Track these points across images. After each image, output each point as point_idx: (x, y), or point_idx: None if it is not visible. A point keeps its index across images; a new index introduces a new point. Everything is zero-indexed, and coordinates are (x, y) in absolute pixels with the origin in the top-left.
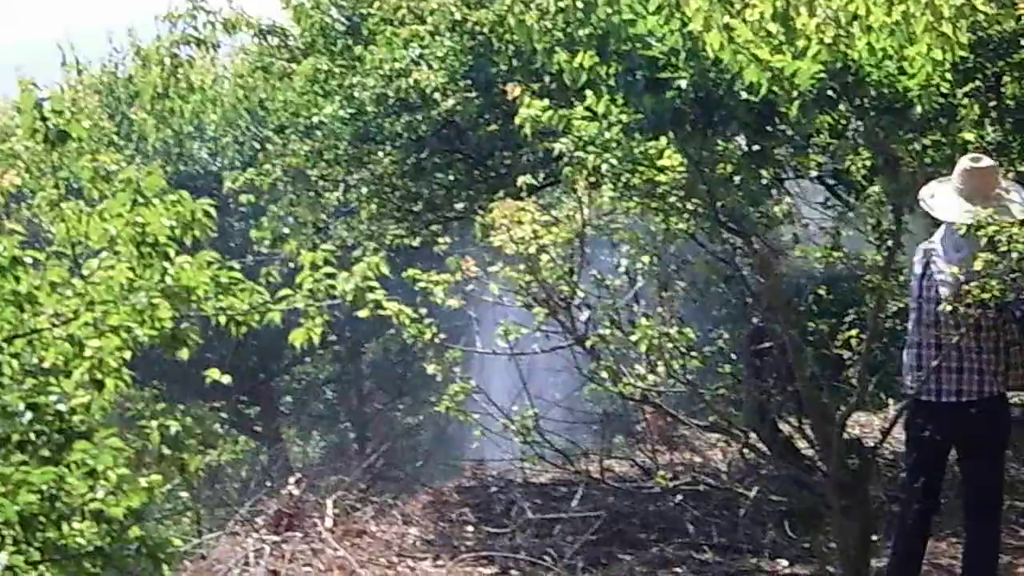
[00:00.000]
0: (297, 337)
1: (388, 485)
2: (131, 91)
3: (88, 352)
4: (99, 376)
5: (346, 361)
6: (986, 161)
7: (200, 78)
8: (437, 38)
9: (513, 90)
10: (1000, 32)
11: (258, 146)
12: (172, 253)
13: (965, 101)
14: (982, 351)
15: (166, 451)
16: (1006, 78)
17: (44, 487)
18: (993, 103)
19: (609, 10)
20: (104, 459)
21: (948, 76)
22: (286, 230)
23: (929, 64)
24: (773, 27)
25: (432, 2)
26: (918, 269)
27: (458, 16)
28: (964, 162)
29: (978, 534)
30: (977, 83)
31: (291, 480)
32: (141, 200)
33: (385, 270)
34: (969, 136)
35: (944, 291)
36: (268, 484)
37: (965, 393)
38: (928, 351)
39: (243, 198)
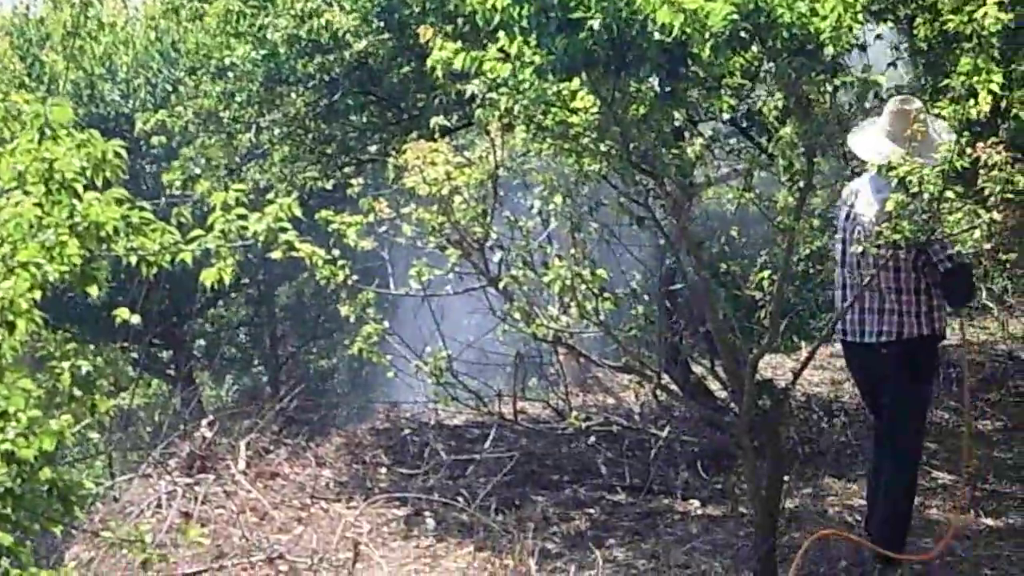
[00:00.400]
0: (208, 277)
1: (301, 428)
2: (42, 33)
3: None
4: (10, 317)
5: (259, 304)
6: (914, 103)
7: (111, 18)
8: None
9: (425, 32)
10: None
11: (170, 88)
12: (80, 190)
13: (876, 43)
14: (901, 292)
15: (77, 393)
16: (918, 20)
17: None
18: (905, 45)
19: None
20: (15, 400)
21: (860, 18)
22: (198, 171)
23: (841, 6)
24: None
25: None
26: (843, 210)
27: None
28: (892, 103)
29: (893, 471)
30: (889, 24)
31: (204, 423)
32: (49, 134)
33: (298, 212)
34: (881, 79)
35: (860, 232)
36: (181, 427)
37: (885, 334)
38: (850, 292)
39: (155, 140)
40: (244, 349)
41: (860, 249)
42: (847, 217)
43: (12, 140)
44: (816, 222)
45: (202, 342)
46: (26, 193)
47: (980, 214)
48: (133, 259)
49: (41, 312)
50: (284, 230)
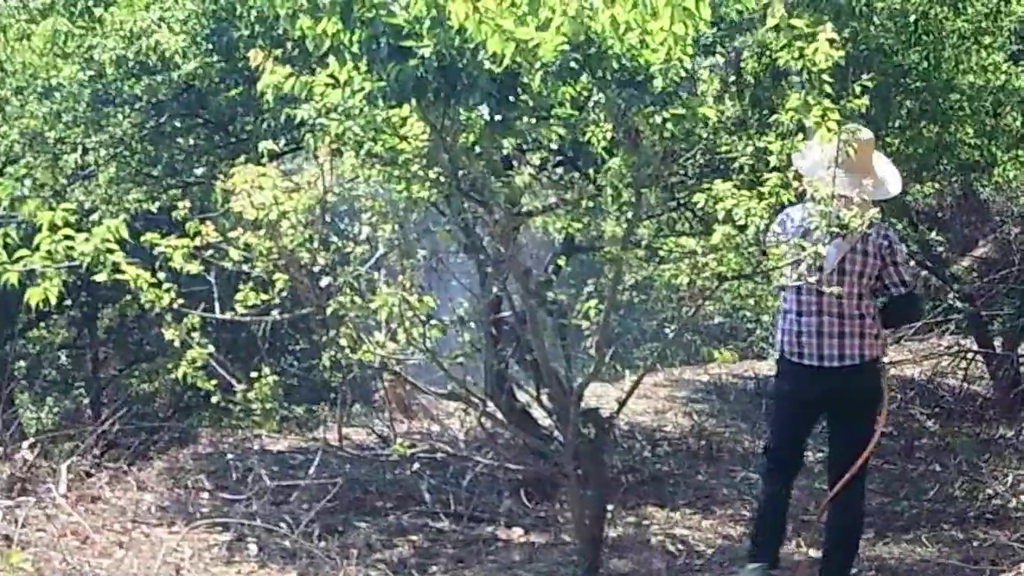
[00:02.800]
0: (34, 296)
1: (123, 451)
2: None
3: None
4: None
5: (81, 326)
6: (865, 133)
7: None
8: (179, 1)
9: (255, 56)
10: (742, 10)
11: None
12: None
13: (705, 76)
14: (864, 317)
15: None
16: (746, 54)
17: None
18: (733, 78)
19: None
20: None
21: (689, 50)
22: (24, 192)
23: (671, 38)
24: None
25: None
26: (794, 234)
27: None
28: (844, 132)
29: (848, 496)
30: (718, 57)
31: (25, 445)
32: None
33: (125, 234)
34: (709, 111)
35: (825, 261)
36: (0, 449)
37: (848, 357)
38: (807, 317)
39: None
40: (66, 371)
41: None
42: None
43: None
44: (642, 252)
45: (22, 364)
46: None
47: (805, 247)
48: None
49: None
50: (111, 252)
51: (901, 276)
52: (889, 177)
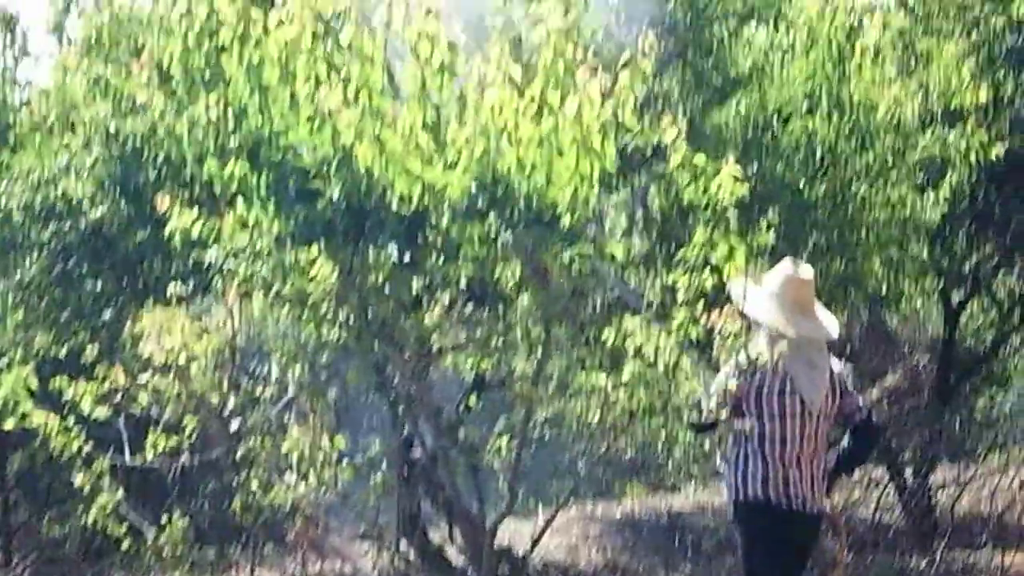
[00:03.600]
0: None
1: None
2: None
3: None
4: None
5: None
6: (808, 271)
7: None
8: (86, 146)
9: (163, 201)
10: (646, 145)
11: None
12: None
13: (612, 212)
14: (822, 458)
15: None
16: (652, 190)
17: None
18: (640, 214)
19: (260, 119)
20: None
21: (596, 188)
22: None
23: (577, 177)
24: (424, 139)
25: (84, 113)
26: (769, 379)
27: (112, 128)
28: (786, 267)
29: None
30: (624, 195)
31: None
32: None
33: (34, 384)
34: (617, 249)
35: (811, 406)
36: None
37: (818, 499)
38: (782, 461)
39: None
40: None
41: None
42: (782, 392)
43: None
44: (552, 388)
45: None
46: None
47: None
48: None
49: None
50: (19, 401)
51: (858, 401)
52: (827, 318)
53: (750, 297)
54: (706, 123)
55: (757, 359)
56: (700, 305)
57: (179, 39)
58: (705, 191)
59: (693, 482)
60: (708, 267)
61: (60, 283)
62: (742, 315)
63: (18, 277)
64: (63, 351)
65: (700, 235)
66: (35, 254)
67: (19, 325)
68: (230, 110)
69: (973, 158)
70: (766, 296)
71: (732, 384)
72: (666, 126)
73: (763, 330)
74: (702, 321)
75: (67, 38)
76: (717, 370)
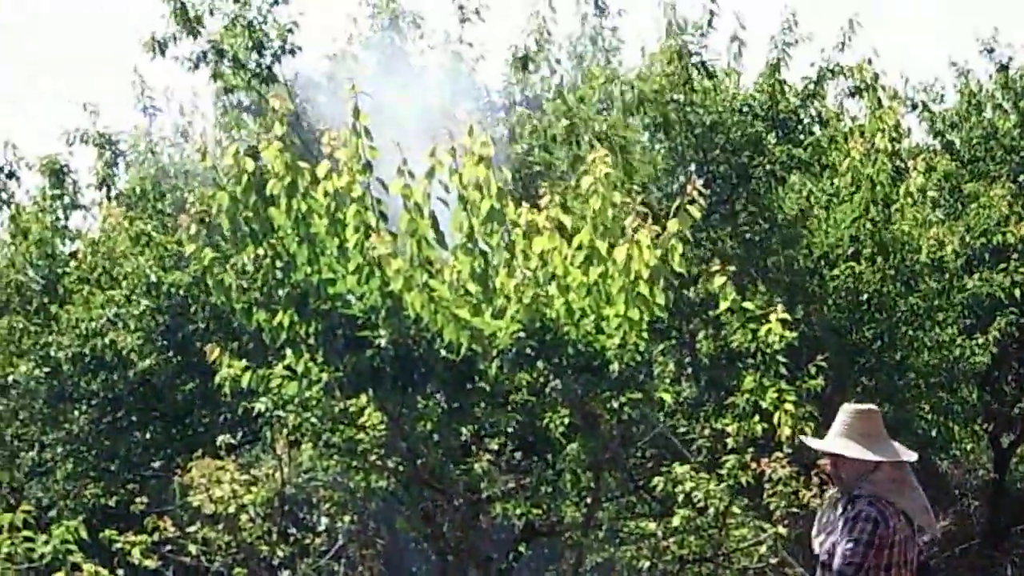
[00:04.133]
0: None
1: None
2: None
3: None
4: None
5: None
6: (871, 406)
7: None
8: (133, 299)
9: (212, 351)
10: (695, 292)
11: None
12: None
13: (661, 359)
14: None
15: None
16: (700, 335)
17: None
18: (688, 360)
19: (308, 270)
20: None
21: (645, 335)
22: None
23: (626, 323)
24: (473, 287)
25: (127, 266)
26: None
27: (153, 279)
28: (850, 407)
29: None
30: (673, 341)
31: None
32: None
33: (84, 534)
34: (666, 395)
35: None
36: None
37: None
38: None
39: None
40: None
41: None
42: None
43: None
44: (602, 535)
45: None
46: None
47: (765, 528)
48: None
49: None
50: (70, 552)
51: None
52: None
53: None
54: (754, 269)
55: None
56: (750, 451)
57: (227, 191)
58: (754, 337)
59: None
60: (757, 413)
61: (109, 434)
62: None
63: (67, 428)
64: (112, 501)
65: (749, 381)
66: (84, 405)
67: (68, 476)
68: (278, 260)
69: (1019, 293)
70: (840, 432)
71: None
72: (715, 272)
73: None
74: (752, 467)
75: (115, 190)
76: (768, 517)
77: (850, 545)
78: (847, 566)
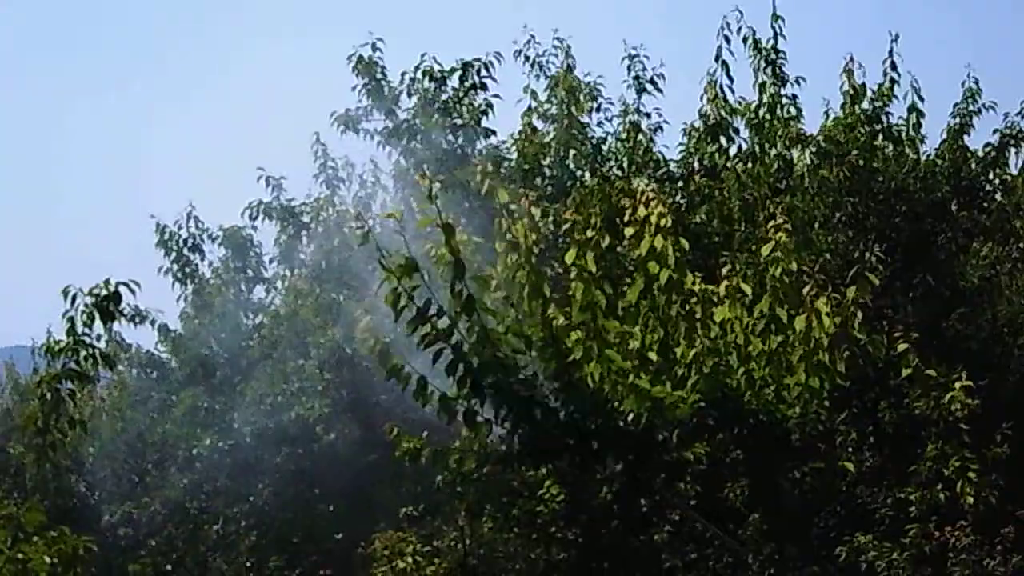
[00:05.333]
0: None
1: None
2: (8, 424)
3: None
4: None
5: None
6: None
7: (79, 412)
8: (318, 372)
9: (391, 428)
10: (876, 358)
11: (136, 478)
12: None
13: (842, 427)
14: None
15: None
16: (883, 404)
17: None
18: (870, 429)
19: (487, 349)
20: None
21: (826, 403)
22: (168, 567)
23: (807, 392)
24: (653, 356)
25: (318, 337)
26: None
27: (338, 353)
28: None
29: None
30: (854, 409)
31: None
32: (22, 536)
33: None
34: (848, 465)
35: None
36: None
37: None
38: None
39: (121, 531)
40: None
41: None
42: None
43: None
44: None
45: None
46: None
47: None
48: None
49: None
50: None
51: None
52: None
53: None
54: (936, 337)
55: None
56: (933, 520)
57: (391, 273)
58: (937, 404)
59: None
60: (940, 481)
61: (292, 507)
62: None
63: (251, 501)
64: (296, 574)
65: (932, 449)
66: (267, 478)
67: (253, 548)
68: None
69: None
70: None
71: None
72: (896, 340)
73: None
74: (935, 536)
75: (299, 262)
76: None
77: None
78: None
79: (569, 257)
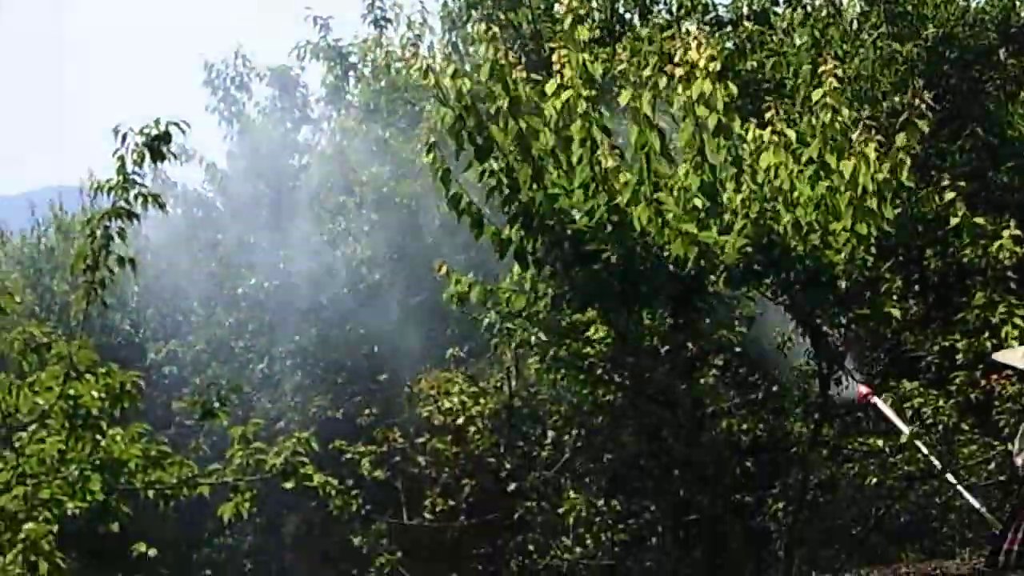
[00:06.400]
0: (226, 511)
1: None
2: (53, 262)
3: (22, 534)
4: (32, 558)
5: (267, 533)
6: None
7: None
8: (363, 212)
9: (439, 267)
10: (923, 207)
11: (181, 318)
12: (104, 427)
13: (888, 275)
14: None
15: None
16: (930, 252)
17: None
18: (916, 277)
19: (534, 186)
20: None
21: (872, 250)
22: (216, 404)
23: (854, 239)
24: (699, 201)
25: (362, 174)
26: None
27: (385, 190)
28: None
29: None
30: (901, 258)
31: None
32: (73, 374)
33: (315, 446)
34: (894, 311)
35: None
36: None
37: None
38: None
39: (166, 369)
40: None
41: None
42: None
43: (31, 372)
44: (827, 452)
45: (209, 572)
46: (46, 427)
47: (995, 445)
48: (151, 493)
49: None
50: (302, 463)
51: None
52: None
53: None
54: (984, 186)
55: None
56: (979, 368)
57: (451, 108)
58: (984, 253)
59: (969, 548)
60: (987, 329)
61: (337, 346)
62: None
63: (296, 340)
64: (339, 414)
65: (979, 297)
66: (312, 317)
67: (297, 388)
68: (503, 177)
69: None
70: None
71: None
72: (944, 188)
73: None
74: (981, 384)
75: (345, 103)
76: (997, 434)
77: None
78: None
79: (624, 98)
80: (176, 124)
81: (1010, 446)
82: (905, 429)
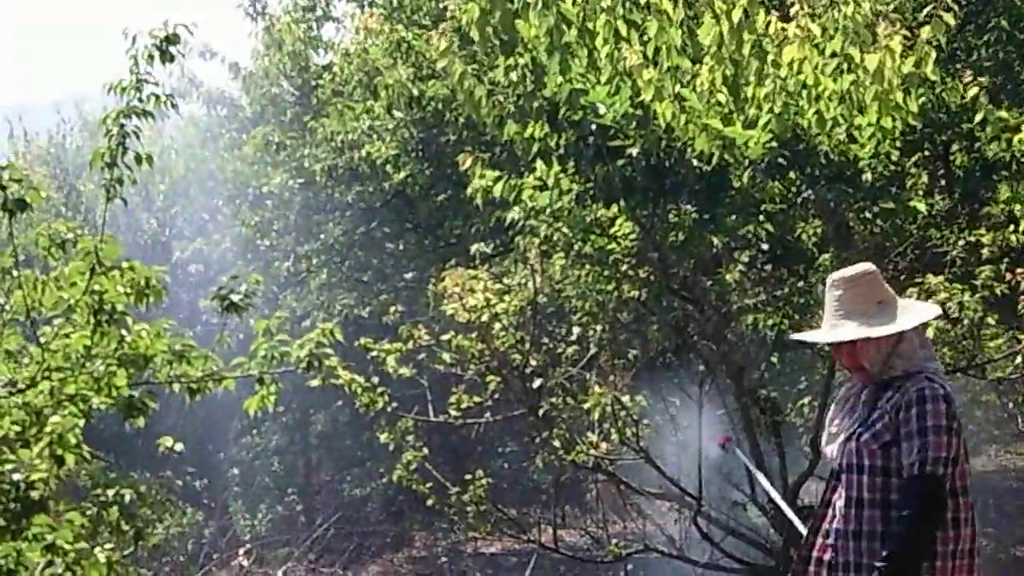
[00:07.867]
0: (252, 405)
1: (338, 556)
2: (79, 162)
3: (48, 428)
4: (59, 451)
5: (294, 431)
6: (863, 267)
7: (147, 148)
8: (389, 111)
9: (464, 161)
10: (950, 102)
11: (207, 216)
12: (130, 322)
13: (914, 170)
14: None
15: (124, 525)
16: (955, 147)
17: (2, 561)
18: (942, 172)
19: (560, 80)
20: (63, 534)
21: (898, 145)
22: (237, 299)
23: (879, 133)
24: (723, 96)
25: (388, 77)
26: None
27: (415, 92)
28: (835, 279)
29: None
30: (926, 152)
31: (240, 552)
32: (99, 269)
33: (340, 336)
34: (920, 205)
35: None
36: (215, 556)
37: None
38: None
39: (192, 268)
40: (278, 477)
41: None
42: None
43: (56, 268)
44: None
45: (236, 470)
46: (70, 321)
47: (1021, 339)
48: (176, 387)
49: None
50: (327, 356)
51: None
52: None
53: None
54: (1010, 80)
55: None
56: (1005, 262)
57: (477, 3)
58: (1009, 147)
59: (995, 444)
60: (1012, 223)
61: (363, 244)
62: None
63: (321, 239)
64: (366, 312)
65: (1004, 191)
66: (337, 216)
67: (323, 286)
68: (529, 72)
69: None
70: (840, 313)
71: None
72: (969, 83)
73: None
74: (1007, 278)
75: (369, 0)
76: (1021, 327)
77: (931, 438)
78: (936, 464)
79: None
80: (184, 26)
81: None
82: (764, 481)
